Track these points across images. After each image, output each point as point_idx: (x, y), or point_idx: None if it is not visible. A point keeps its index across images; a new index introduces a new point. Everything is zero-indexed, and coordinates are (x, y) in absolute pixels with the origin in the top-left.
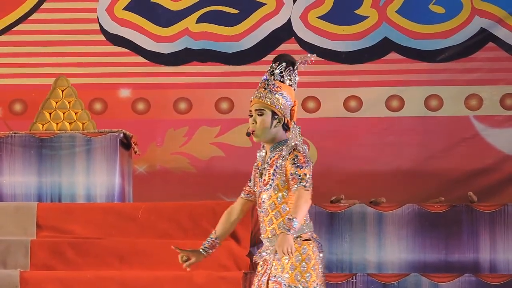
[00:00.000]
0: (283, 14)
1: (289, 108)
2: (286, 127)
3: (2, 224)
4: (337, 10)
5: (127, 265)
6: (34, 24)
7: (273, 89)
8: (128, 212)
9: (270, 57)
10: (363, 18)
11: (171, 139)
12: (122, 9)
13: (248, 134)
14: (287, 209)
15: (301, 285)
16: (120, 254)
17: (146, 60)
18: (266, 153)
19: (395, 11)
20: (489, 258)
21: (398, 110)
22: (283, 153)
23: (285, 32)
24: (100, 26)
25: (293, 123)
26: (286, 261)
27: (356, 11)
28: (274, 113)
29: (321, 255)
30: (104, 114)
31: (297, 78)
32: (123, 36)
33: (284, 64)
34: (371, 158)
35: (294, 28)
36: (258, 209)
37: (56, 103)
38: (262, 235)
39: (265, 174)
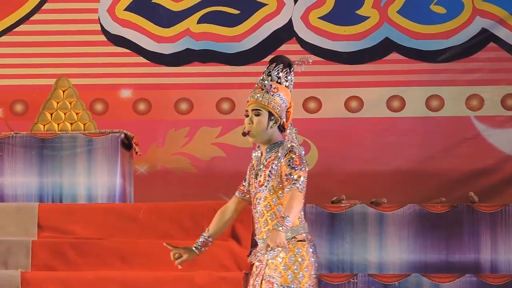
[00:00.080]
0: (284, 14)
1: (285, 110)
2: (282, 128)
3: (3, 224)
4: (338, 11)
5: (128, 265)
6: (35, 25)
7: (271, 90)
8: (129, 212)
9: (271, 57)
10: (364, 18)
11: (172, 140)
12: (123, 10)
13: (244, 134)
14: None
15: (293, 285)
16: (121, 255)
17: (147, 61)
18: (261, 154)
19: (396, 12)
20: (490, 259)
21: (399, 111)
22: (279, 154)
23: (286, 32)
24: (101, 26)
25: (290, 124)
26: (280, 260)
27: (357, 12)
28: (270, 114)
29: (314, 258)
30: (105, 115)
31: (293, 79)
32: (124, 36)
33: (281, 65)
34: (372, 159)
35: (295, 29)
36: (253, 210)
37: (57, 103)
38: (257, 236)
39: (261, 175)
